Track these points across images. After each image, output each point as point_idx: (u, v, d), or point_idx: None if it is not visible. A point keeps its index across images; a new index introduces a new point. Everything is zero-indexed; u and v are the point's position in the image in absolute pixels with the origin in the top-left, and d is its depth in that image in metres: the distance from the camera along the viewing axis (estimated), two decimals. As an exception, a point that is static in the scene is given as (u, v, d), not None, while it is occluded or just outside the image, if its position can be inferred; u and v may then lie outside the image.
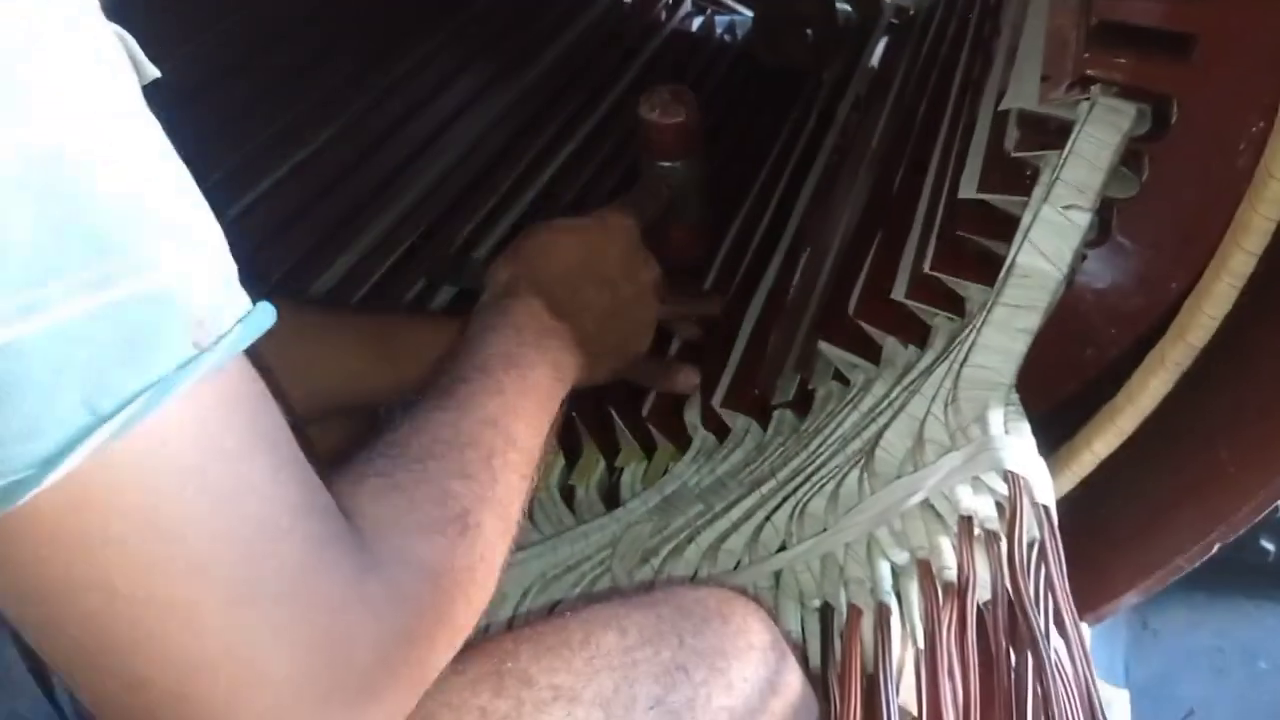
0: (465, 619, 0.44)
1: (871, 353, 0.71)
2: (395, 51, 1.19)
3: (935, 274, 0.66)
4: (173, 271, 0.31)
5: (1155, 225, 0.61)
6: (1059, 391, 0.69)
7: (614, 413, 0.83)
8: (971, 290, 0.65)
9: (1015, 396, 0.55)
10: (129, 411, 0.30)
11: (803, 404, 0.75)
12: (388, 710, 0.39)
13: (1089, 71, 0.58)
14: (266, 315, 0.34)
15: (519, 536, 0.51)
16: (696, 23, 1.47)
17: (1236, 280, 0.48)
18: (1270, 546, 0.77)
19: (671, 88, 0.82)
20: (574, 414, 0.84)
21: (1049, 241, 0.55)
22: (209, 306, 0.32)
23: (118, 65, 0.32)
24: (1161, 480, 0.60)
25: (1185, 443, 0.60)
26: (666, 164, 0.82)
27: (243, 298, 0.34)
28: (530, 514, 0.82)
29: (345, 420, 0.77)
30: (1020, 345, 0.55)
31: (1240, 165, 0.58)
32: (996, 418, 0.54)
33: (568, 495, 0.83)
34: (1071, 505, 0.61)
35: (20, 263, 0.29)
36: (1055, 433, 0.65)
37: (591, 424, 0.84)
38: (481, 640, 0.53)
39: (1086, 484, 0.63)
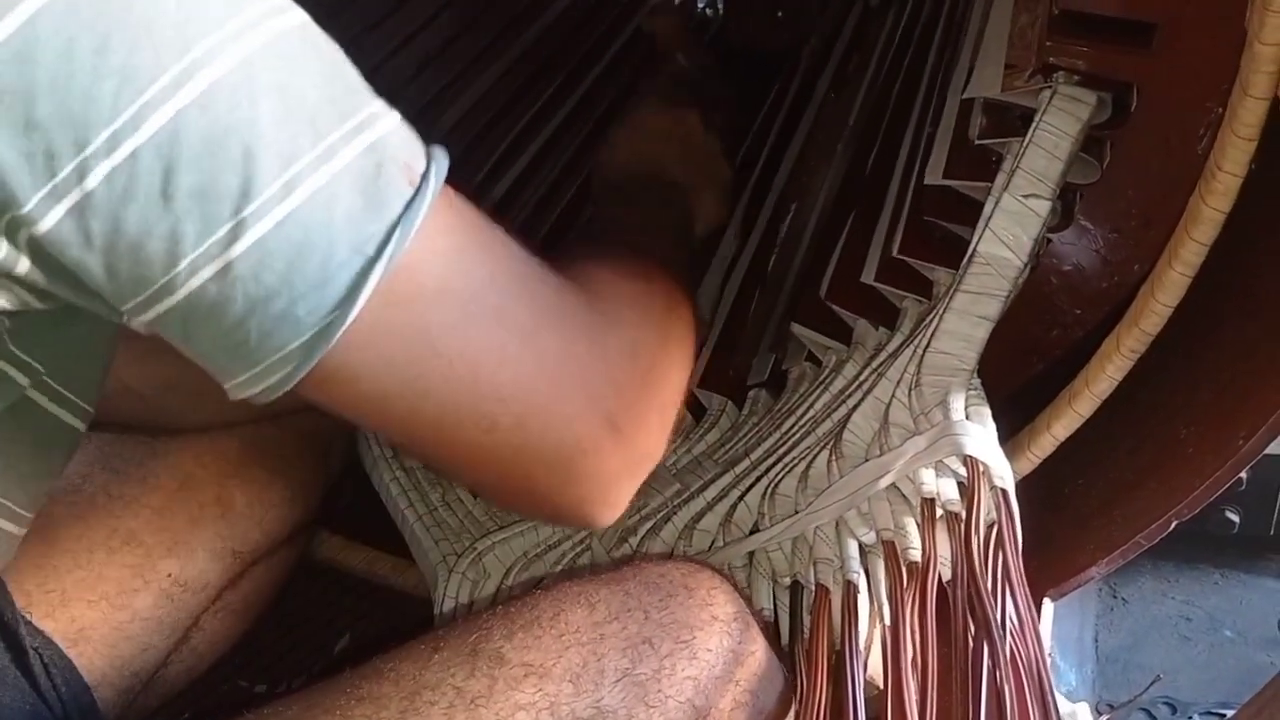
0: (685, 349, 0.56)
1: (843, 334, 0.72)
2: (371, 38, 1.19)
3: (903, 258, 0.67)
4: (383, 125, 0.38)
5: (1117, 210, 0.62)
6: (1027, 370, 0.70)
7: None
8: (939, 274, 0.66)
9: (977, 381, 0.57)
10: (390, 247, 0.37)
11: (777, 384, 0.77)
12: (634, 422, 0.47)
13: (1050, 60, 0.59)
14: (443, 151, 0.41)
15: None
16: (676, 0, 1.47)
17: (1188, 269, 0.50)
18: (1235, 518, 0.79)
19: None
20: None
21: (1009, 230, 0.56)
22: (409, 149, 0.39)
23: None
24: (1122, 460, 0.61)
25: (1144, 423, 0.62)
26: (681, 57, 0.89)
27: (417, 139, 0.41)
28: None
29: (318, 415, 0.78)
30: (981, 332, 0.56)
31: (1200, 151, 0.59)
32: (958, 403, 0.55)
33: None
34: (1036, 483, 0.63)
35: (303, 126, 0.36)
36: (1024, 411, 0.67)
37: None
38: (459, 620, 0.56)
39: (1051, 462, 0.64)
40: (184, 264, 0.36)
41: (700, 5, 1.47)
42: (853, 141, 0.91)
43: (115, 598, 0.65)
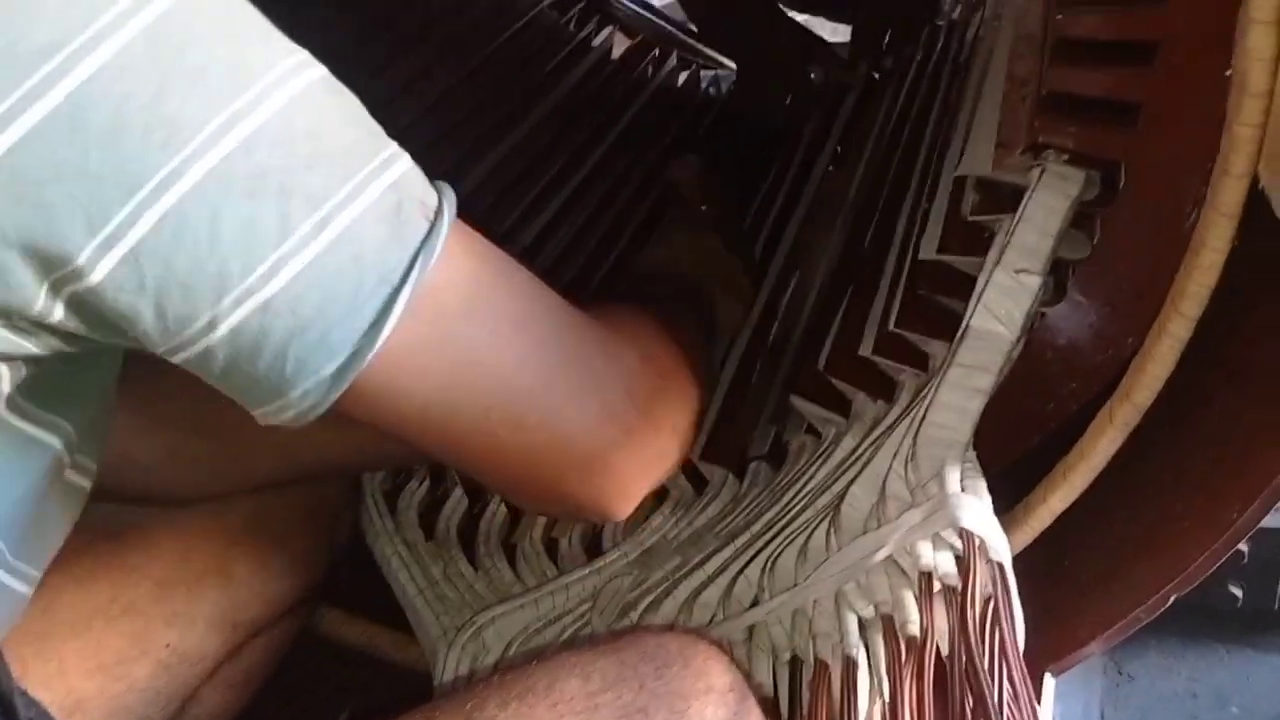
0: (696, 371, 0.60)
1: (842, 407, 0.73)
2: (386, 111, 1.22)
3: (900, 332, 0.68)
4: (399, 166, 0.42)
5: (1109, 284, 0.63)
6: (1024, 442, 0.70)
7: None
8: (935, 347, 0.67)
9: (972, 454, 0.57)
10: (414, 274, 0.41)
11: (777, 456, 0.77)
12: (647, 424, 0.52)
13: (1039, 139, 0.60)
14: (449, 188, 0.45)
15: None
16: (682, 78, 1.50)
17: (1177, 343, 0.50)
18: (1238, 592, 0.79)
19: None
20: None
21: (1001, 305, 0.57)
22: (422, 187, 0.43)
23: None
24: (1120, 532, 0.61)
25: (1141, 495, 0.62)
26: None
27: (426, 179, 0.44)
28: (513, 566, 0.83)
29: (327, 481, 0.79)
30: (975, 405, 0.57)
31: (1187, 227, 0.60)
32: (953, 475, 0.55)
33: (551, 547, 0.85)
34: (1037, 555, 0.63)
35: (333, 169, 0.39)
36: (1023, 483, 0.67)
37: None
38: (455, 690, 0.56)
39: (1050, 534, 0.64)
40: (228, 300, 0.39)
41: (704, 85, 1.50)
42: (852, 216, 0.92)
43: (113, 668, 0.65)
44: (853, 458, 0.67)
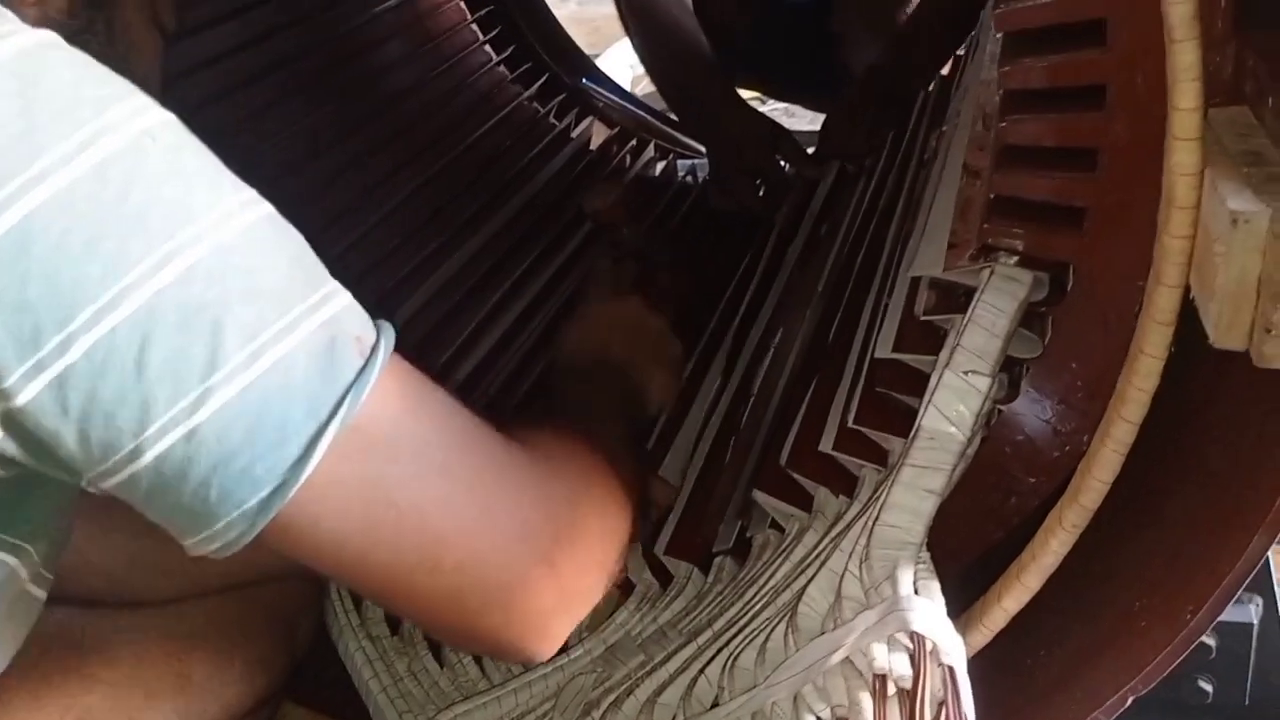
0: (623, 506, 0.60)
1: (804, 502, 0.73)
2: (362, 208, 1.24)
3: (859, 428, 0.68)
4: (337, 302, 0.43)
5: (1062, 383, 0.64)
6: (986, 538, 0.70)
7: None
8: (894, 443, 0.67)
9: (926, 555, 0.57)
10: (342, 410, 0.41)
11: (742, 551, 0.77)
12: (570, 563, 0.51)
13: (989, 241, 0.61)
14: (389, 326, 0.46)
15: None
16: (660, 167, 1.53)
17: (1120, 447, 0.51)
18: (1208, 688, 0.78)
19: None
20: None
21: (952, 405, 0.57)
22: (360, 324, 0.44)
23: None
24: (1077, 633, 0.61)
25: (1100, 594, 0.62)
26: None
27: (367, 316, 0.45)
28: (479, 662, 0.82)
29: (286, 580, 0.78)
30: (928, 505, 0.57)
31: (1135, 326, 0.62)
32: (906, 577, 0.55)
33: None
34: (999, 655, 0.63)
35: (268, 304, 0.40)
36: (988, 579, 0.67)
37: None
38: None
39: (1012, 634, 0.64)
40: (153, 429, 0.39)
41: (681, 174, 1.53)
42: (820, 309, 0.93)
43: (69, 776, 0.64)
44: (814, 554, 0.67)
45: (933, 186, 0.82)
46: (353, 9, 1.36)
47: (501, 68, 1.55)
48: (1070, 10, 0.54)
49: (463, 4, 1.53)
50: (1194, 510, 0.58)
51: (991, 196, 0.61)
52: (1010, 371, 0.64)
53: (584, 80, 1.64)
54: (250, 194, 0.42)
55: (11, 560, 0.47)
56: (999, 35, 0.58)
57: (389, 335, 0.45)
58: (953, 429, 0.57)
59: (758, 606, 0.67)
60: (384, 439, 0.44)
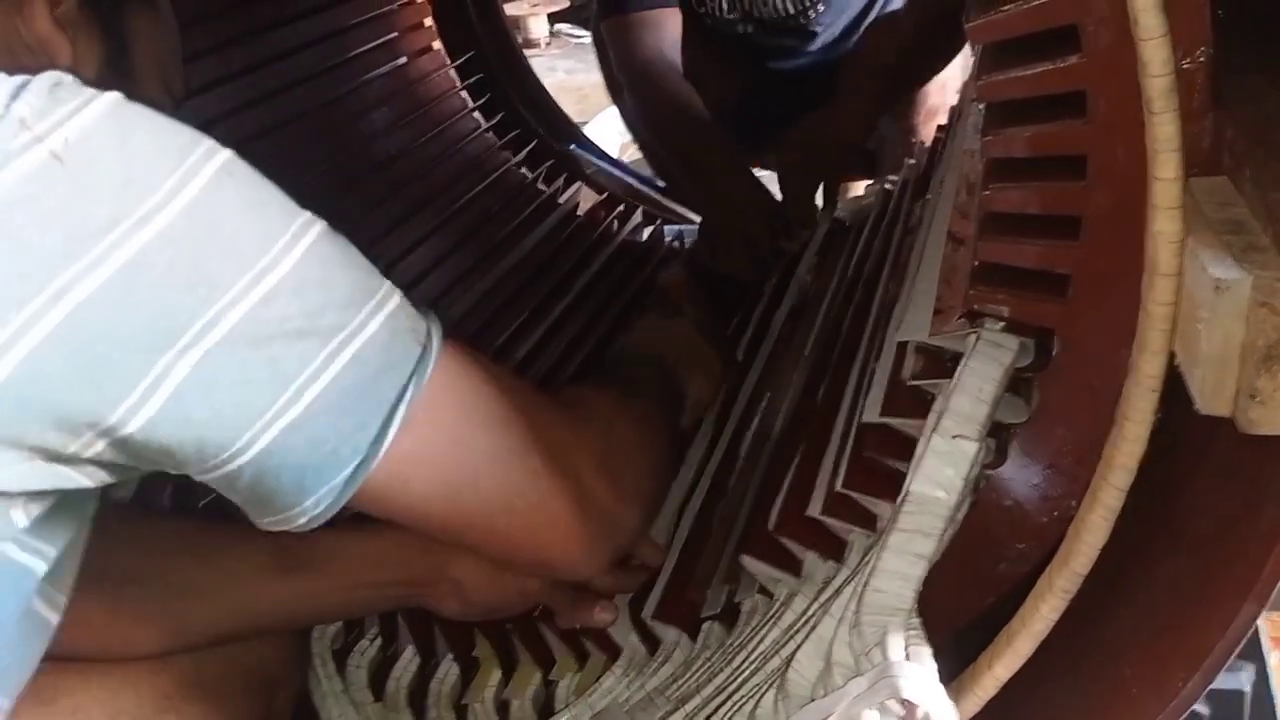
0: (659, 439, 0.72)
1: (793, 566, 0.72)
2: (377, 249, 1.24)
3: (848, 492, 0.68)
4: (393, 300, 0.50)
5: (1050, 448, 0.64)
6: (977, 603, 0.70)
7: (543, 624, 0.84)
8: (882, 508, 0.67)
9: (916, 620, 0.57)
10: (410, 392, 0.50)
11: (730, 616, 0.76)
12: (613, 509, 0.63)
13: (974, 306, 0.62)
14: (434, 316, 0.54)
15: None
16: (647, 233, 1.54)
17: (1109, 513, 0.51)
18: (1200, 757, 0.78)
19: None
20: (509, 626, 0.84)
21: (940, 470, 0.57)
22: (413, 317, 0.51)
23: None
24: (1069, 700, 0.61)
25: (1090, 660, 0.61)
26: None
27: (414, 309, 0.52)
28: (463, 728, 0.81)
29: (267, 642, 0.77)
30: (918, 570, 0.57)
31: (1121, 392, 0.62)
32: (897, 643, 0.55)
33: (503, 709, 0.83)
34: (990, 722, 0.62)
35: (341, 309, 0.47)
36: (975, 645, 0.66)
37: (527, 636, 0.84)
38: None
39: (1005, 700, 0.63)
40: (257, 427, 0.46)
41: (668, 239, 1.54)
42: (806, 373, 0.94)
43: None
44: (802, 620, 0.66)
45: (918, 253, 0.83)
46: (342, 76, 1.37)
47: (490, 134, 1.57)
48: (1050, 83, 0.56)
49: (452, 72, 1.55)
50: (1183, 576, 0.58)
51: (976, 263, 0.61)
52: (998, 436, 0.64)
53: (572, 146, 1.66)
54: (307, 214, 0.48)
55: (33, 562, 0.49)
56: (981, 106, 0.59)
57: (437, 323, 0.53)
58: (941, 493, 0.57)
59: (747, 672, 0.67)
60: (451, 408, 0.53)
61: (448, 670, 0.84)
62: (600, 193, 1.62)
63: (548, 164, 1.59)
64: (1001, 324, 0.62)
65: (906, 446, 0.66)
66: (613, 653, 0.80)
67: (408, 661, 0.85)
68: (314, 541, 0.75)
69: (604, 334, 1.28)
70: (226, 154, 0.46)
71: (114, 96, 0.44)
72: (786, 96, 1.59)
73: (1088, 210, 0.57)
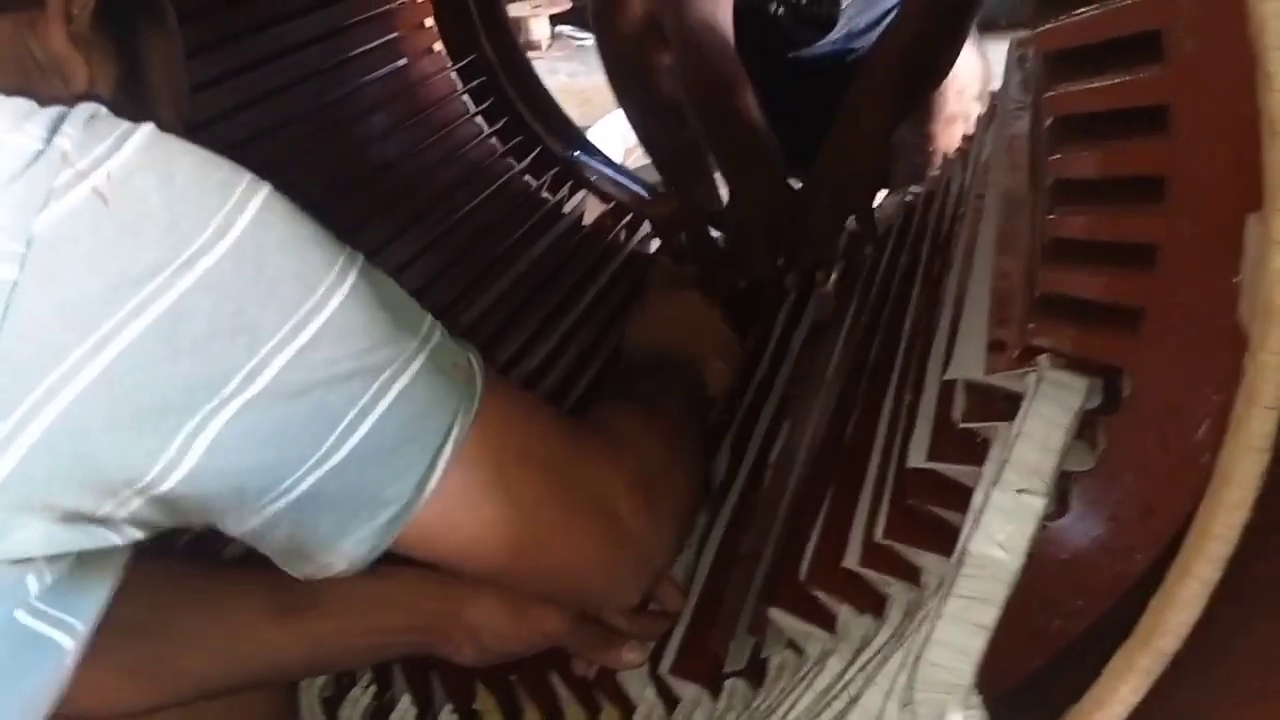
0: (689, 464, 0.71)
1: (826, 621, 0.66)
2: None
3: (888, 543, 0.62)
4: (436, 335, 0.50)
5: (1114, 498, 0.58)
6: (1028, 664, 0.64)
7: (555, 674, 0.78)
8: (927, 560, 0.62)
9: (976, 699, 0.51)
10: (455, 432, 0.49)
11: (757, 673, 0.70)
12: (645, 535, 0.62)
13: (1034, 342, 0.56)
14: (475, 351, 0.53)
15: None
16: (655, 244, 1.48)
17: (1204, 587, 0.45)
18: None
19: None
20: (513, 677, 0.78)
21: (1003, 528, 0.51)
22: (454, 351, 0.51)
23: None
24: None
25: (1164, 736, 0.55)
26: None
27: (455, 344, 0.52)
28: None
29: (262, 698, 0.71)
30: (978, 643, 0.51)
31: (1199, 438, 0.56)
32: (956, 726, 0.49)
33: (507, 766, 0.77)
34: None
35: (387, 348, 0.46)
36: (1028, 710, 0.61)
37: (532, 687, 0.78)
38: None
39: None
40: (302, 470, 0.44)
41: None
42: (832, 403, 0.88)
43: None
44: (840, 685, 0.60)
45: (955, 276, 0.76)
46: (339, 78, 1.31)
47: (494, 140, 1.51)
48: (1128, 96, 0.50)
49: (454, 75, 1.49)
50: (1270, 646, 0.52)
51: (1038, 294, 0.55)
52: (1057, 483, 0.58)
53: (576, 153, 1.60)
54: (346, 250, 0.47)
55: (67, 642, 0.46)
56: (1050, 118, 0.53)
57: (478, 356, 0.53)
58: (1004, 555, 0.51)
59: (778, 742, 0.60)
60: (495, 447, 0.52)
61: (447, 721, 0.77)
62: (606, 201, 1.55)
63: (552, 171, 1.53)
64: (1064, 361, 0.56)
65: (954, 494, 0.60)
66: (627, 708, 0.74)
67: (403, 712, 0.78)
68: (316, 583, 0.70)
69: (615, 348, 1.21)
70: (266, 189, 0.45)
71: (150, 129, 0.42)
72: (796, 92, 1.54)
73: (1166, 236, 0.52)
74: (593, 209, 1.52)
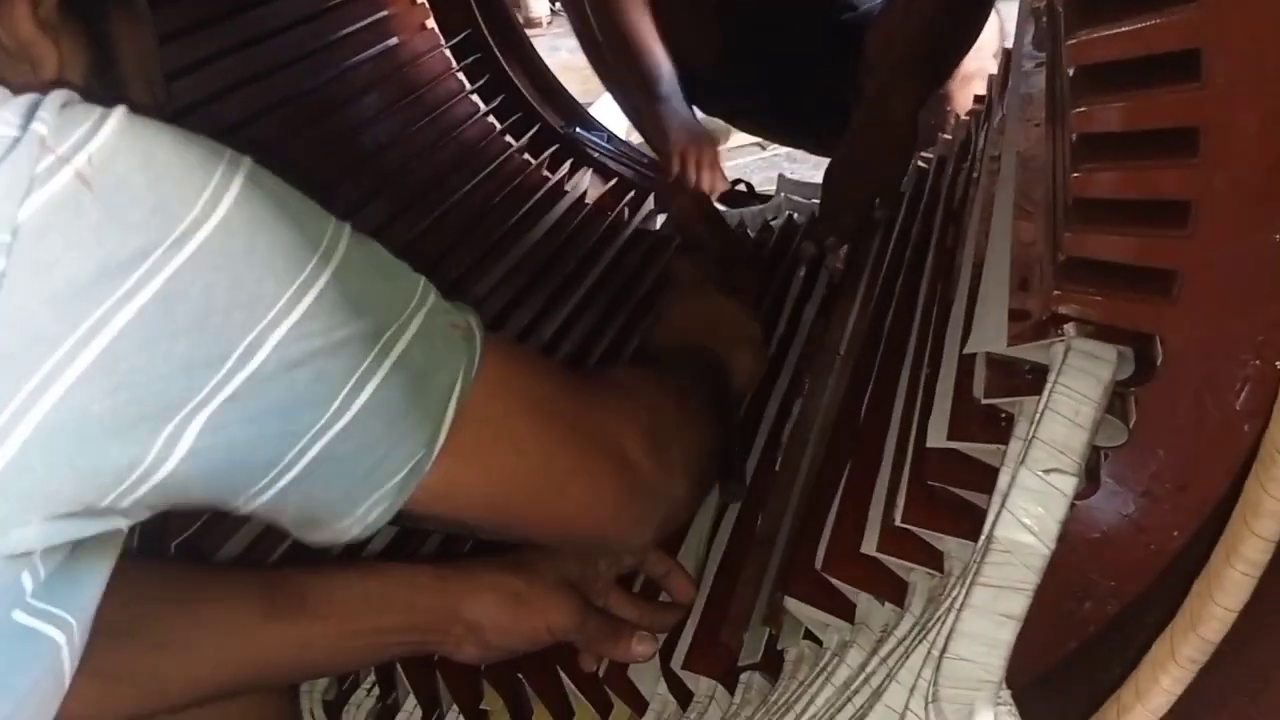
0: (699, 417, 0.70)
1: (844, 610, 0.63)
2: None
3: (908, 526, 0.59)
4: (431, 296, 0.49)
5: (1148, 473, 0.54)
6: (1058, 649, 0.61)
7: (562, 670, 0.75)
8: (949, 544, 0.58)
9: (1006, 694, 0.48)
10: (459, 389, 0.49)
11: (773, 665, 0.67)
12: (658, 481, 0.61)
13: (1060, 310, 0.52)
14: (471, 308, 0.53)
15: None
16: (660, 220, 1.44)
17: (1252, 569, 0.42)
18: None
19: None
20: (521, 675, 0.75)
21: (1031, 510, 0.48)
22: (452, 312, 0.51)
23: None
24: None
25: (1207, 723, 0.52)
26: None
27: (449, 303, 0.51)
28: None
29: (254, 703, 0.68)
30: (1007, 634, 0.48)
31: (1239, 407, 0.52)
32: (986, 723, 0.46)
33: (516, 764, 0.74)
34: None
35: (383, 312, 0.46)
36: (1058, 698, 0.57)
37: (540, 685, 0.75)
38: None
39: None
40: (304, 441, 0.44)
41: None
42: (845, 380, 0.84)
43: None
44: (860, 677, 0.57)
45: (971, 243, 0.73)
46: (328, 58, 1.28)
47: (490, 118, 1.47)
48: (1157, 40, 0.46)
49: (447, 52, 1.45)
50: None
51: (1062, 259, 0.52)
52: (1087, 458, 0.54)
53: (577, 129, 1.56)
54: (334, 220, 0.46)
55: (59, 637, 0.45)
56: (1072, 68, 0.49)
57: (475, 314, 0.52)
58: (1032, 539, 0.48)
59: (796, 740, 0.57)
60: (501, 400, 0.52)
61: (454, 723, 0.75)
62: (609, 179, 1.52)
63: (552, 149, 1.49)
64: (1091, 329, 0.52)
65: (977, 474, 0.57)
66: (639, 705, 0.71)
67: (409, 715, 0.76)
68: (307, 581, 0.68)
69: (619, 331, 1.18)
70: (248, 163, 0.43)
71: (124, 111, 0.41)
72: (770, 59, 1.52)
73: (1201, 192, 0.48)
74: (596, 187, 1.49)
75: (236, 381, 0.41)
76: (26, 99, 0.40)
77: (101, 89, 0.54)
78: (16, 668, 0.44)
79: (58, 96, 0.41)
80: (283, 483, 0.45)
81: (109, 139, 0.40)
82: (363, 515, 0.48)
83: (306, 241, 0.44)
